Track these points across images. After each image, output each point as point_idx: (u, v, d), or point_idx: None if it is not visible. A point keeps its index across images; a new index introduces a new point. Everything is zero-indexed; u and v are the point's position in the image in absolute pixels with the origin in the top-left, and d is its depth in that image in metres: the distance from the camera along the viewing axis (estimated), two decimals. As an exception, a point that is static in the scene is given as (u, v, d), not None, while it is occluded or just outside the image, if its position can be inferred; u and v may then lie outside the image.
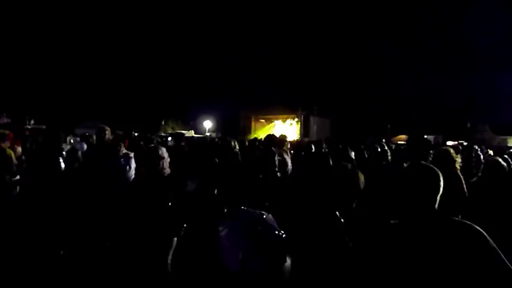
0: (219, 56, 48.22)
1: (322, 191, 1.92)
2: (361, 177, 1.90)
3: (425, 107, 38.35)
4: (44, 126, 19.77)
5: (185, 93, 42.12)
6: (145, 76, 41.45)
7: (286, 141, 6.08)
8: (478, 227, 1.28)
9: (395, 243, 1.37)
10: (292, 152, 5.91)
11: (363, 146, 6.17)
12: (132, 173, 3.89)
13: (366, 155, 5.20)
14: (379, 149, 4.85)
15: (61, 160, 3.72)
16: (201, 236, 2.35)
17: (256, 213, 1.86)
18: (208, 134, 27.58)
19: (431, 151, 3.60)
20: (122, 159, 3.88)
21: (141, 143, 5.95)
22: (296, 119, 25.95)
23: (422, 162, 1.46)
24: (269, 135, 5.39)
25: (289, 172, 5.59)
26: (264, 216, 1.82)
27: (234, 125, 28.12)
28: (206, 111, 35.57)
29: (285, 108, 26.13)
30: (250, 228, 1.71)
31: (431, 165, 1.41)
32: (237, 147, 4.54)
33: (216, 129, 33.42)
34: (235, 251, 1.64)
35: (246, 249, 1.63)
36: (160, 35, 45.19)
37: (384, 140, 14.24)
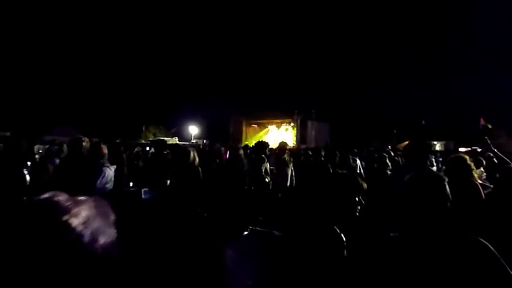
0: (205, 55, 48.27)
1: (318, 202, 1.94)
2: (363, 186, 1.92)
3: (434, 111, 38.77)
4: (8, 133, 19.50)
5: (168, 95, 42.13)
6: (123, 77, 41.20)
7: (288, 150, 6.15)
8: (486, 243, 1.31)
9: (397, 258, 1.40)
10: (290, 160, 5.95)
11: (365, 153, 6.25)
12: (111, 185, 3.87)
13: (363, 163, 5.28)
14: (376, 156, 4.95)
15: (25, 172, 3.66)
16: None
17: (267, 232, 1.85)
18: (194, 141, 27.43)
19: (433, 157, 3.66)
20: (103, 177, 3.83)
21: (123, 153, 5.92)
22: (292, 124, 26.07)
23: (428, 170, 1.49)
24: (259, 142, 5.45)
25: (288, 184, 5.66)
26: (276, 236, 1.82)
27: (223, 131, 28.16)
28: (191, 116, 35.56)
29: (280, 112, 26.31)
30: (260, 250, 1.70)
31: (437, 173, 1.44)
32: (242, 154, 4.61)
33: (203, 135, 33.36)
34: (244, 277, 1.62)
35: (257, 275, 1.60)
36: (141, 33, 45.18)
37: (389, 147, 14.40)
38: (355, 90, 40.64)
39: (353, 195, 1.87)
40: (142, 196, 3.74)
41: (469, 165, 3.38)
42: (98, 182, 3.73)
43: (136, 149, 8.90)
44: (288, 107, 26.54)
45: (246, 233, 1.86)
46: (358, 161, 5.85)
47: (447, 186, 1.41)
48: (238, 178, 4.04)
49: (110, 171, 3.90)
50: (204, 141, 28.82)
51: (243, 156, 6.65)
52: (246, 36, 46.63)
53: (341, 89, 40.84)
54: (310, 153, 5.77)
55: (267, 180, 4.60)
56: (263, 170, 4.79)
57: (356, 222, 1.85)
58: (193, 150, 4.16)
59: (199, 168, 2.99)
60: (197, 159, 4.04)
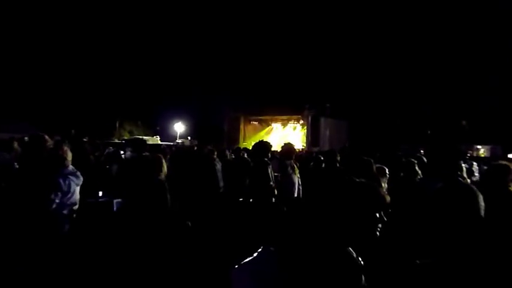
0: (192, 37, 48.07)
1: (330, 219, 1.94)
2: (386, 199, 1.92)
3: (478, 109, 38.28)
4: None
5: (148, 85, 41.94)
6: (91, 63, 40.91)
7: (295, 152, 6.17)
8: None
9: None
10: (296, 165, 5.98)
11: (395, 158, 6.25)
12: (76, 198, 3.87)
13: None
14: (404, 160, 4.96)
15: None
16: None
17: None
18: (179, 141, 27.39)
19: (474, 165, 3.67)
20: (67, 180, 3.82)
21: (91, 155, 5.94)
22: (301, 122, 26.04)
23: (458, 181, 1.50)
24: (259, 142, 5.42)
25: (295, 195, 5.68)
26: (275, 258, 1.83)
27: (216, 130, 28.13)
28: (177, 111, 35.61)
29: (286, 106, 26.29)
30: (273, 274, 1.71)
31: (468, 185, 1.45)
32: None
33: (191, 135, 33.40)
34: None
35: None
36: (116, 13, 44.96)
37: (422, 152, 14.43)
38: (380, 80, 39.74)
39: (373, 210, 1.88)
40: (115, 208, 3.76)
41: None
42: (57, 197, 3.69)
43: (107, 150, 8.90)
44: (297, 101, 26.37)
45: (257, 253, 1.88)
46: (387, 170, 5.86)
47: (481, 202, 1.41)
48: (233, 187, 4.07)
49: (75, 181, 3.89)
50: (189, 138, 28.82)
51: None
52: (243, 16, 46.34)
53: (362, 79, 40.03)
54: (322, 158, 5.77)
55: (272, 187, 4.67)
56: (268, 177, 4.83)
57: (376, 243, 1.85)
58: (161, 158, 4.03)
59: (165, 185, 2.99)
60: (165, 170, 3.90)
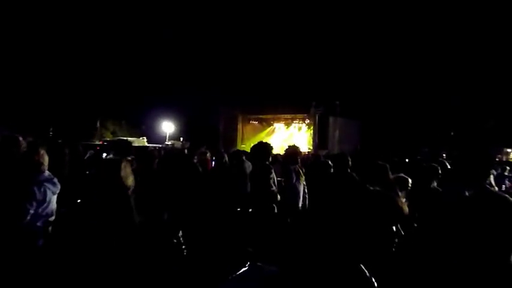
0: (182, 24, 47.92)
1: (340, 232, 1.95)
2: (403, 210, 1.93)
3: (508, 108, 37.72)
4: None
5: (133, 80, 41.74)
6: (69, 56, 40.69)
7: (300, 156, 6.17)
8: None
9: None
10: (302, 171, 5.97)
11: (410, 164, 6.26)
12: (52, 207, 3.85)
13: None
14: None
15: None
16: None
17: (274, 270, 1.88)
18: (169, 142, 27.46)
19: (502, 170, 3.66)
20: (42, 188, 3.80)
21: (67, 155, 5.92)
22: (307, 121, 26.01)
23: (488, 190, 1.50)
24: (259, 144, 5.43)
25: (300, 205, 5.68)
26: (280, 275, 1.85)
27: (211, 130, 28.09)
28: (166, 109, 35.62)
29: (290, 104, 26.20)
30: None
31: (501, 194, 1.45)
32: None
33: (182, 135, 33.42)
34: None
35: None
36: (96, 4, 44.76)
37: (444, 155, 14.47)
38: (396, 74, 39.44)
39: (389, 222, 1.89)
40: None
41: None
42: (32, 207, 3.66)
43: (88, 154, 8.90)
44: (302, 98, 26.27)
45: (244, 269, 1.89)
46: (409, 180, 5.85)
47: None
48: (229, 195, 4.08)
49: (52, 188, 3.88)
50: (181, 139, 28.81)
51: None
52: (241, 3, 46.05)
53: (376, 73, 39.78)
54: (331, 162, 5.76)
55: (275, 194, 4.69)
56: (271, 183, 4.84)
57: (392, 261, 1.86)
58: (127, 163, 3.87)
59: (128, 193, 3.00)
60: (130, 179, 3.72)
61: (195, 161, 6.57)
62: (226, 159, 6.95)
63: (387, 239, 1.91)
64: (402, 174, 4.72)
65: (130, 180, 3.49)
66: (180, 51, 43.10)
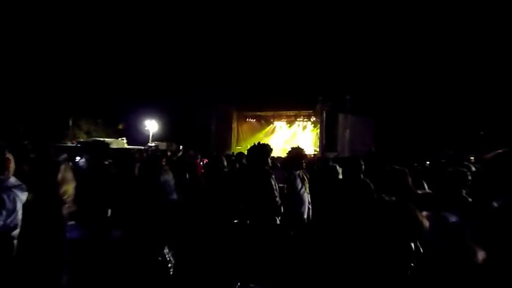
0: (168, 9, 47.55)
1: (348, 249, 1.95)
2: (423, 224, 1.91)
3: None
4: None
5: (110, 73, 41.45)
6: (39, 48, 40.45)
7: (305, 159, 6.16)
8: None
9: None
10: (306, 177, 5.97)
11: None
12: (18, 219, 3.85)
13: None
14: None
15: None
16: None
17: None
18: (153, 144, 27.46)
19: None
20: (11, 195, 3.79)
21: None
22: (313, 119, 26.05)
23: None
24: (257, 145, 5.44)
25: (305, 216, 5.68)
26: None
27: (201, 130, 28.03)
28: (149, 106, 35.52)
29: (293, 99, 26.20)
30: None
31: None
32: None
33: (167, 136, 33.38)
34: None
35: None
36: None
37: (472, 158, 14.47)
38: (417, 65, 39.14)
39: (407, 238, 1.88)
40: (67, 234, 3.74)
41: None
42: (2, 216, 3.65)
43: (62, 157, 8.89)
44: (307, 91, 26.21)
45: None
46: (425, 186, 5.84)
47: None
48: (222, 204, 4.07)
49: (20, 195, 3.86)
50: (166, 144, 28.70)
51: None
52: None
53: (393, 63, 39.51)
54: (340, 167, 5.76)
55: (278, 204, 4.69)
56: (274, 192, 4.83)
57: (409, 282, 1.86)
58: (68, 167, 3.84)
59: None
60: (68, 186, 3.70)
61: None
62: (225, 163, 6.82)
63: (404, 257, 1.91)
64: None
65: (69, 188, 3.48)
66: (165, 39, 42.75)
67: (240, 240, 4.68)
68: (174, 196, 5.97)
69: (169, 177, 6.14)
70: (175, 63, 40.81)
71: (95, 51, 40.37)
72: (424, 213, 2.04)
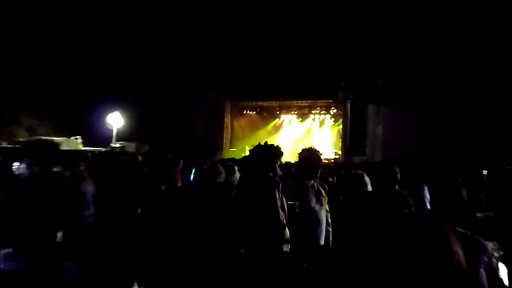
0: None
1: (373, 280, 1.99)
2: (463, 264, 1.93)
3: None
4: None
5: (59, 52, 41.30)
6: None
7: (322, 165, 6.19)
8: None
9: None
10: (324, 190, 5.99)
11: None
12: None
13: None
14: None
15: None
16: None
17: None
18: (117, 145, 27.50)
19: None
20: None
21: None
22: (334, 111, 26.11)
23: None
24: (262, 145, 5.47)
25: (321, 241, 5.71)
26: None
27: (183, 127, 28.01)
28: (112, 95, 35.32)
29: (306, 85, 26.19)
30: None
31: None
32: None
33: (137, 134, 33.41)
34: None
35: None
36: None
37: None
38: (472, 43, 38.80)
39: (437, 262, 1.92)
40: (1, 265, 3.84)
41: None
42: None
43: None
44: (326, 75, 26.11)
45: None
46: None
47: None
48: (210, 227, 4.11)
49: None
50: (135, 144, 28.76)
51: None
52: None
53: (442, 38, 39.22)
54: (366, 176, 5.79)
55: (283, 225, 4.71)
56: (278, 209, 4.84)
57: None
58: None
59: None
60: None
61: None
62: (224, 174, 6.51)
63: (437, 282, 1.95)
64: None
65: None
66: (132, 9, 42.38)
67: (234, 276, 4.67)
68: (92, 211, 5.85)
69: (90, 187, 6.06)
70: (146, 38, 40.41)
71: (38, 26, 40.30)
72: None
